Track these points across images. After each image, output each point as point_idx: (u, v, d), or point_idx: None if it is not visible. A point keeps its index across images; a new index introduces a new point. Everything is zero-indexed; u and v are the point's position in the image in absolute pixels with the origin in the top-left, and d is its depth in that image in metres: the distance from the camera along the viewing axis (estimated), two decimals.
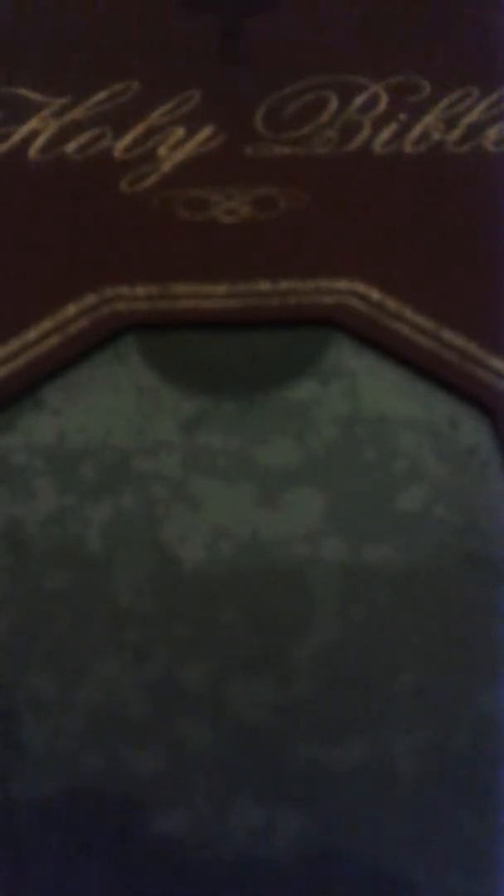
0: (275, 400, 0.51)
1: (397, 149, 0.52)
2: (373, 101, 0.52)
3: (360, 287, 0.51)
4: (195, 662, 0.49)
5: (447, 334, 0.51)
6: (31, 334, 0.51)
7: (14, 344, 0.51)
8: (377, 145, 0.52)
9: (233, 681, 0.49)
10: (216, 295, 0.51)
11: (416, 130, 0.52)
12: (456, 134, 0.52)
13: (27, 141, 0.52)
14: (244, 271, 0.51)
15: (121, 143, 0.52)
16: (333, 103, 0.52)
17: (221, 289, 0.51)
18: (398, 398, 0.51)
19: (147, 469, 0.51)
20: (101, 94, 0.52)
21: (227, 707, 0.49)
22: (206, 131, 0.52)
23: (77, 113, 0.52)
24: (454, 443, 0.51)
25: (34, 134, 0.52)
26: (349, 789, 0.49)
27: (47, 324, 0.51)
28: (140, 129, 0.52)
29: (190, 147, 0.52)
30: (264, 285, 0.51)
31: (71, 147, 0.52)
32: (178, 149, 0.52)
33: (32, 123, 0.52)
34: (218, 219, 0.51)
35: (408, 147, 0.52)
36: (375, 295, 0.51)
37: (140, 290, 0.51)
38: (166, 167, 0.52)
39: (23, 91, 0.52)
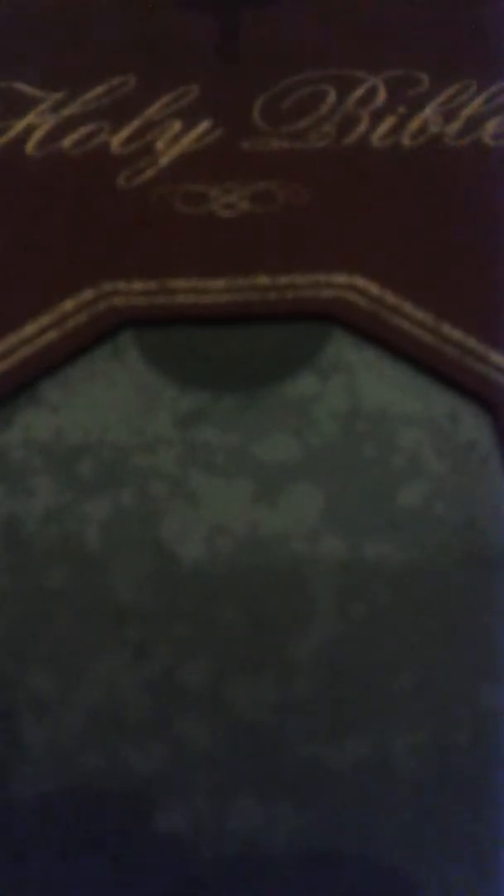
0: (274, 395, 0.51)
1: (396, 142, 0.52)
2: (371, 95, 0.52)
3: (360, 281, 0.51)
4: (195, 661, 0.49)
5: (447, 329, 0.51)
6: (29, 330, 0.51)
7: (11, 339, 0.51)
8: (375, 139, 0.52)
9: (233, 679, 0.49)
10: (214, 290, 0.51)
11: (415, 123, 0.52)
12: (454, 127, 0.52)
13: (25, 136, 0.52)
14: (242, 266, 0.51)
15: (118, 138, 0.52)
16: (331, 97, 0.52)
17: (219, 283, 0.51)
18: (398, 393, 0.51)
19: (145, 465, 0.51)
20: (99, 89, 0.52)
21: (226, 706, 0.49)
22: (203, 125, 0.52)
23: (74, 108, 0.52)
24: (454, 438, 0.51)
25: (31, 129, 0.52)
26: (349, 788, 0.49)
27: (45, 319, 0.51)
28: (137, 123, 0.52)
29: (188, 141, 0.52)
30: (263, 280, 0.51)
31: (68, 142, 0.52)
32: (175, 143, 0.52)
33: (30, 118, 0.52)
34: (216, 213, 0.51)
35: (406, 140, 0.52)
36: (375, 289, 0.51)
37: (138, 285, 0.51)
38: (164, 161, 0.52)
39: (20, 86, 0.52)
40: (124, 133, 0.52)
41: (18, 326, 0.51)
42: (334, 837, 0.49)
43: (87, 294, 0.51)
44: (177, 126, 0.52)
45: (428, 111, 0.52)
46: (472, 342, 0.51)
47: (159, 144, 0.52)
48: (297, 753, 0.49)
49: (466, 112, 0.52)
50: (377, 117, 0.52)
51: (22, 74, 0.52)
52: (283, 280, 0.51)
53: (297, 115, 0.52)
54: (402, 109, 0.52)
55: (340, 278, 0.51)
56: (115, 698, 0.49)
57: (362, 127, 0.52)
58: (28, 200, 0.52)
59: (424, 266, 0.51)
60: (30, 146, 0.52)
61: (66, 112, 0.52)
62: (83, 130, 0.52)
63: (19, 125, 0.52)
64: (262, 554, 0.50)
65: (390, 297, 0.51)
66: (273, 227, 0.51)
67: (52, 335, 0.51)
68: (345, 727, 0.49)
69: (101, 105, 0.52)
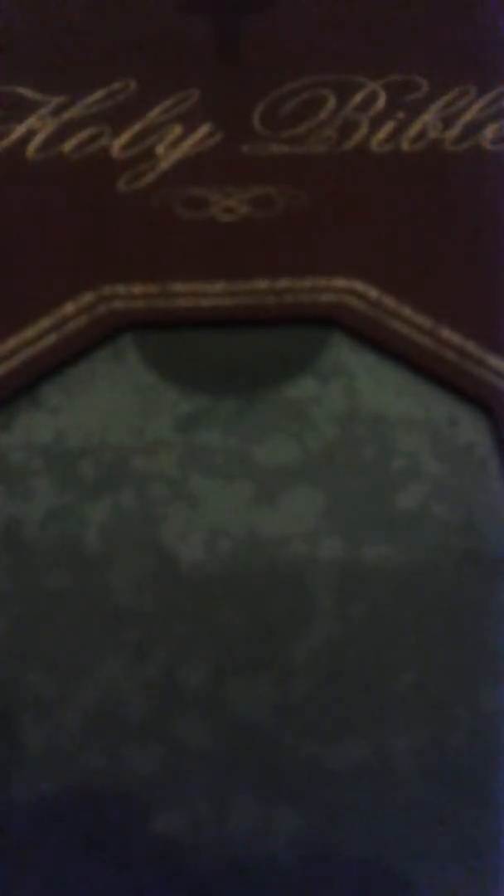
0: (273, 398, 0.51)
1: (395, 147, 0.52)
2: (370, 100, 0.52)
3: (359, 285, 0.51)
4: (195, 661, 0.50)
5: (446, 333, 0.51)
6: (29, 333, 0.51)
7: (12, 342, 0.51)
8: (375, 144, 0.52)
9: (232, 680, 0.49)
10: (214, 293, 0.51)
11: (414, 129, 0.52)
12: (453, 132, 0.52)
13: (25, 139, 0.52)
14: (242, 270, 0.51)
15: (118, 142, 0.52)
16: (331, 102, 0.52)
17: (219, 287, 0.51)
18: (397, 397, 0.51)
19: (145, 468, 0.51)
20: (99, 93, 0.52)
21: (226, 706, 0.49)
22: (203, 130, 0.52)
23: (75, 111, 0.52)
24: (452, 441, 0.51)
25: (32, 132, 0.52)
26: (348, 788, 0.49)
27: (45, 322, 0.51)
28: (138, 127, 0.52)
29: (188, 145, 0.52)
30: (262, 284, 0.51)
31: (69, 146, 0.52)
32: (175, 147, 0.52)
33: (30, 122, 0.52)
34: (216, 217, 0.51)
35: (405, 145, 0.52)
36: (374, 293, 0.51)
37: (138, 289, 0.51)
38: (164, 166, 0.52)
39: (21, 89, 0.52)
40: (125, 137, 0.52)
41: (18, 329, 0.51)
42: (333, 838, 0.49)
43: (88, 297, 0.51)
44: (177, 130, 0.52)
45: (427, 116, 0.52)
46: (470, 346, 0.51)
47: (159, 149, 0.52)
48: (296, 754, 0.49)
49: (466, 117, 0.52)
50: (377, 122, 0.52)
51: (23, 78, 0.52)
52: (283, 284, 0.51)
53: (297, 119, 0.52)
54: (401, 115, 0.52)
55: (340, 283, 0.51)
56: (115, 699, 0.49)
57: (362, 132, 0.52)
58: (28, 204, 0.52)
59: (423, 271, 0.52)
60: (30, 150, 0.52)
61: (66, 116, 0.52)
62: (84, 134, 0.52)
63: (20, 129, 0.52)
64: (261, 555, 0.50)
65: (389, 302, 0.51)
66: (273, 232, 0.51)
67: (52, 338, 0.51)
68: (344, 728, 0.49)
69: (101, 109, 0.52)
